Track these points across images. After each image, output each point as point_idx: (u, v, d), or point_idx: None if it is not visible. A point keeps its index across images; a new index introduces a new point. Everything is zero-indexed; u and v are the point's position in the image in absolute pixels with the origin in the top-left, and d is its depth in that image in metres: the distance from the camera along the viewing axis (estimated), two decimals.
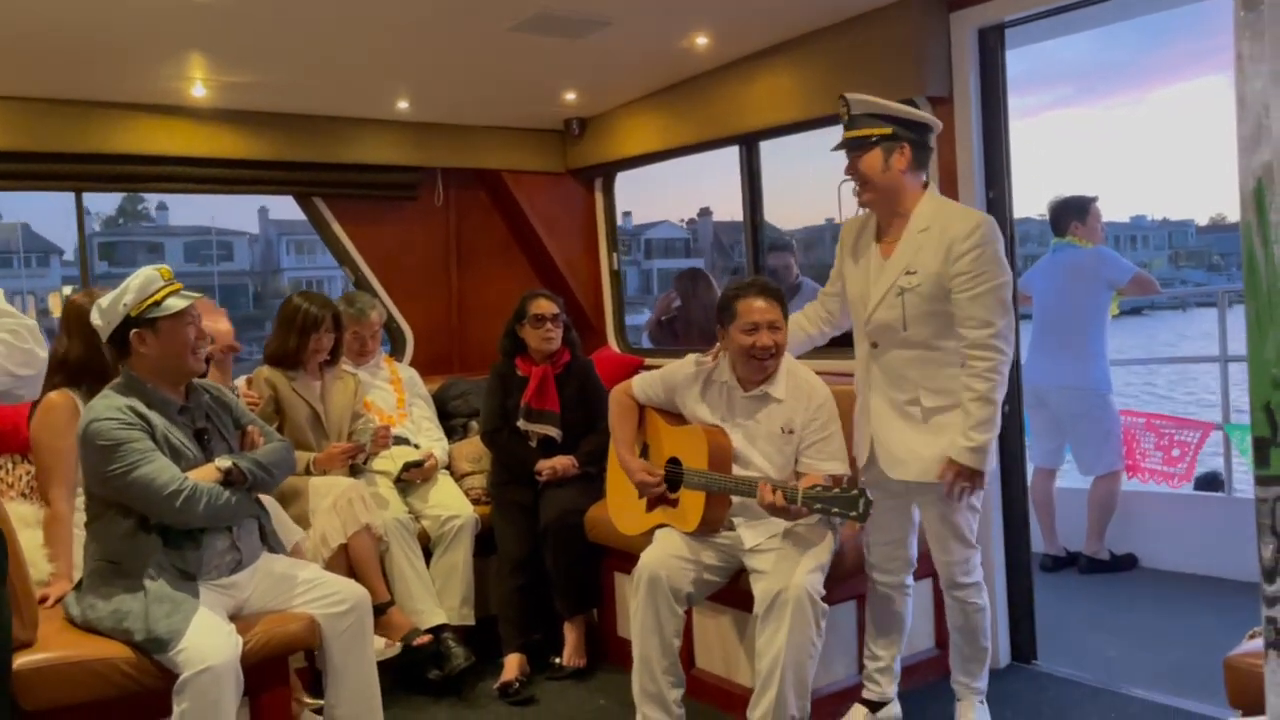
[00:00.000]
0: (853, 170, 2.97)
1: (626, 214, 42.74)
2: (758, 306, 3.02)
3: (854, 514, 2.69)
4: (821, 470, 3.03)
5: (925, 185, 3.00)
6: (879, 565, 3.15)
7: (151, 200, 39.12)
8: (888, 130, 2.91)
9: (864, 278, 3.02)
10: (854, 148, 2.95)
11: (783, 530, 3.02)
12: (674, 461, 3.19)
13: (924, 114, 3.02)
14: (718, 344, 3.17)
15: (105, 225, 40.79)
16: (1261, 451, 0.95)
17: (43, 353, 2.36)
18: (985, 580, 3.63)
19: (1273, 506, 0.95)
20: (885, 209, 2.99)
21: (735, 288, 3.11)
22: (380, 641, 3.34)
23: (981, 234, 2.83)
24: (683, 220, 45.32)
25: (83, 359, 3.07)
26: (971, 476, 2.85)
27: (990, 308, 2.82)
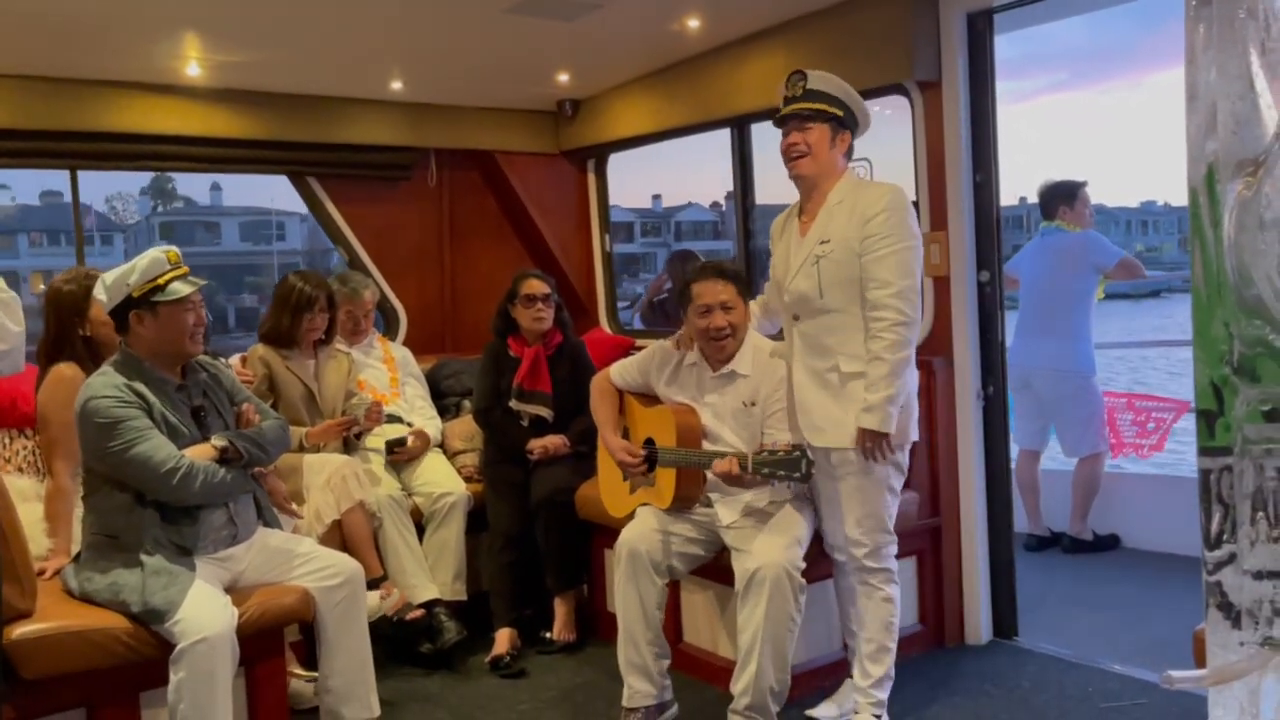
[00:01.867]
0: (799, 139, 2.99)
1: (656, 197, 42.95)
2: (710, 289, 3.11)
3: (797, 475, 2.78)
4: (784, 440, 3.07)
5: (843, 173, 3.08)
6: (838, 545, 3.16)
7: (180, 179, 40.00)
8: (841, 113, 2.99)
9: (785, 257, 3.09)
10: (809, 117, 2.97)
11: (760, 507, 3.09)
12: (649, 442, 3.27)
13: (867, 112, 3.07)
14: (681, 330, 3.27)
15: (140, 205, 41.56)
16: (1208, 424, 1.01)
17: (16, 327, 2.36)
18: (969, 559, 3.71)
19: (1218, 476, 1.01)
20: (810, 185, 3.04)
21: (692, 273, 3.21)
22: (374, 595, 3.39)
23: (890, 200, 2.91)
24: (712, 203, 45.45)
25: (57, 340, 3.13)
26: (875, 438, 2.87)
27: (893, 268, 2.86)
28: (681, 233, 43.75)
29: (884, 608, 3.03)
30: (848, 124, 3.01)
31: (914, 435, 3.05)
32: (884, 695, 3.05)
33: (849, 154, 3.07)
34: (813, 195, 3.06)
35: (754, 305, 3.35)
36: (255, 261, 38.82)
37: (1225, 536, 1.00)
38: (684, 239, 42.74)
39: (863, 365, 2.91)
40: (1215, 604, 1.02)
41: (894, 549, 3.06)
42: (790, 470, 2.79)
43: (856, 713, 3.07)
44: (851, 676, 3.26)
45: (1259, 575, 0.96)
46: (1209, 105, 0.98)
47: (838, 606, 3.32)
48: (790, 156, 3.01)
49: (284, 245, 41.06)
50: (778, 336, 3.40)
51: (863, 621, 3.05)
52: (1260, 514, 0.95)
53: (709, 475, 3.12)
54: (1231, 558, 0.99)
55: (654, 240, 42.88)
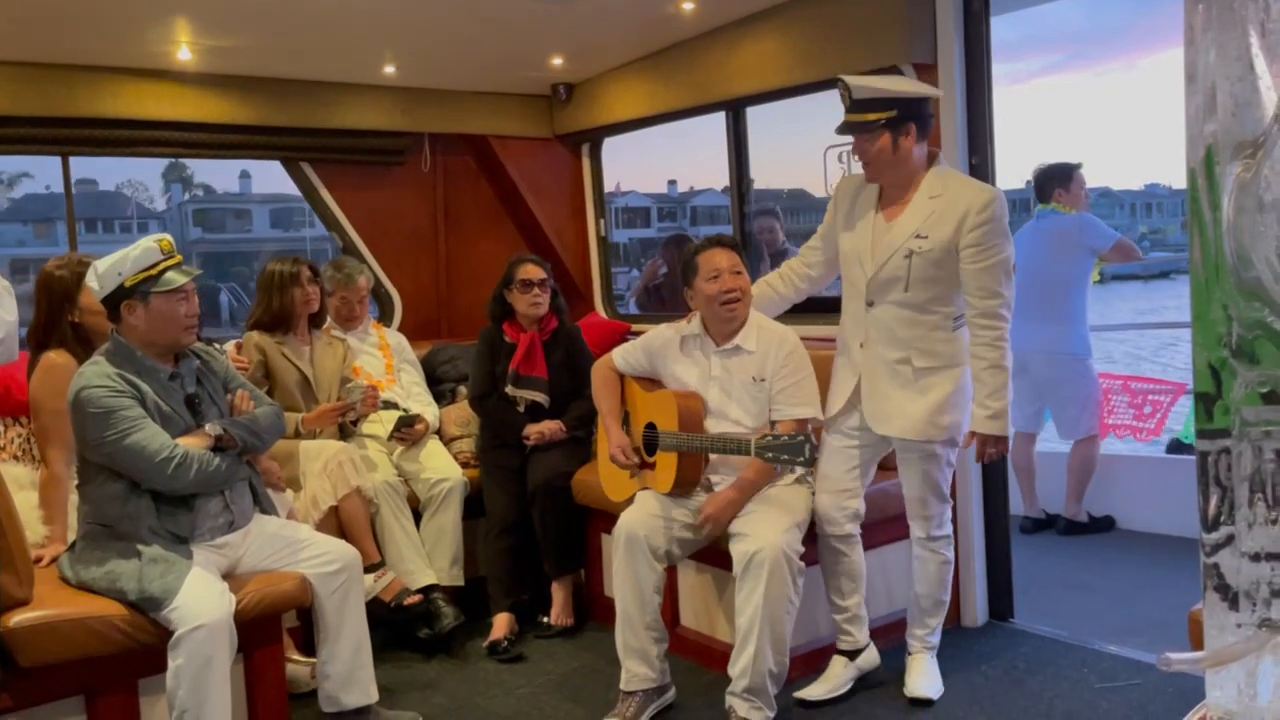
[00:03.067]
0: (861, 152, 3.03)
1: (672, 182, 43.44)
2: (717, 256, 3.15)
3: (800, 459, 2.81)
4: (792, 415, 3.12)
5: (932, 156, 3.07)
6: (826, 516, 3.20)
7: (195, 166, 40.17)
8: (894, 113, 2.96)
9: (864, 237, 3.10)
10: (861, 131, 2.99)
11: (759, 490, 3.10)
12: (651, 426, 3.27)
13: (924, 87, 3.08)
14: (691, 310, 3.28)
15: (174, 192, 42.83)
16: (1206, 407, 1.01)
17: (9, 317, 2.33)
18: (965, 541, 3.73)
19: (1216, 459, 1.01)
20: (892, 179, 3.07)
21: (695, 247, 3.25)
22: (369, 578, 3.39)
23: (995, 208, 2.94)
24: (724, 187, 45.56)
25: (47, 326, 3.12)
26: (998, 443, 3.00)
27: (998, 279, 2.95)
28: (698, 217, 43.98)
29: (943, 569, 3.24)
30: (908, 115, 2.98)
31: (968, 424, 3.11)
32: (938, 639, 3.30)
33: (925, 134, 3.04)
34: (894, 182, 3.07)
35: (775, 278, 3.38)
36: (286, 248, 40.14)
37: (1223, 519, 1.00)
38: (700, 223, 42.90)
39: (934, 361, 3.02)
40: (1213, 586, 1.02)
41: (950, 513, 3.23)
42: (794, 455, 2.80)
43: (912, 654, 3.28)
44: (840, 652, 3.28)
45: (1256, 557, 0.96)
46: (1208, 87, 0.97)
47: (823, 579, 3.32)
48: (863, 165, 3.07)
49: (315, 231, 42.04)
50: (786, 318, 3.40)
51: (922, 581, 3.24)
52: (1258, 496, 0.95)
53: (710, 458, 3.14)
54: (1229, 540, 0.99)
55: (670, 225, 43.00)
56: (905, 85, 3.05)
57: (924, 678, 3.22)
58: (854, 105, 2.99)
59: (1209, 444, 1.00)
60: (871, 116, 2.96)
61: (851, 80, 2.99)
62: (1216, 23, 0.94)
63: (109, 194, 39.85)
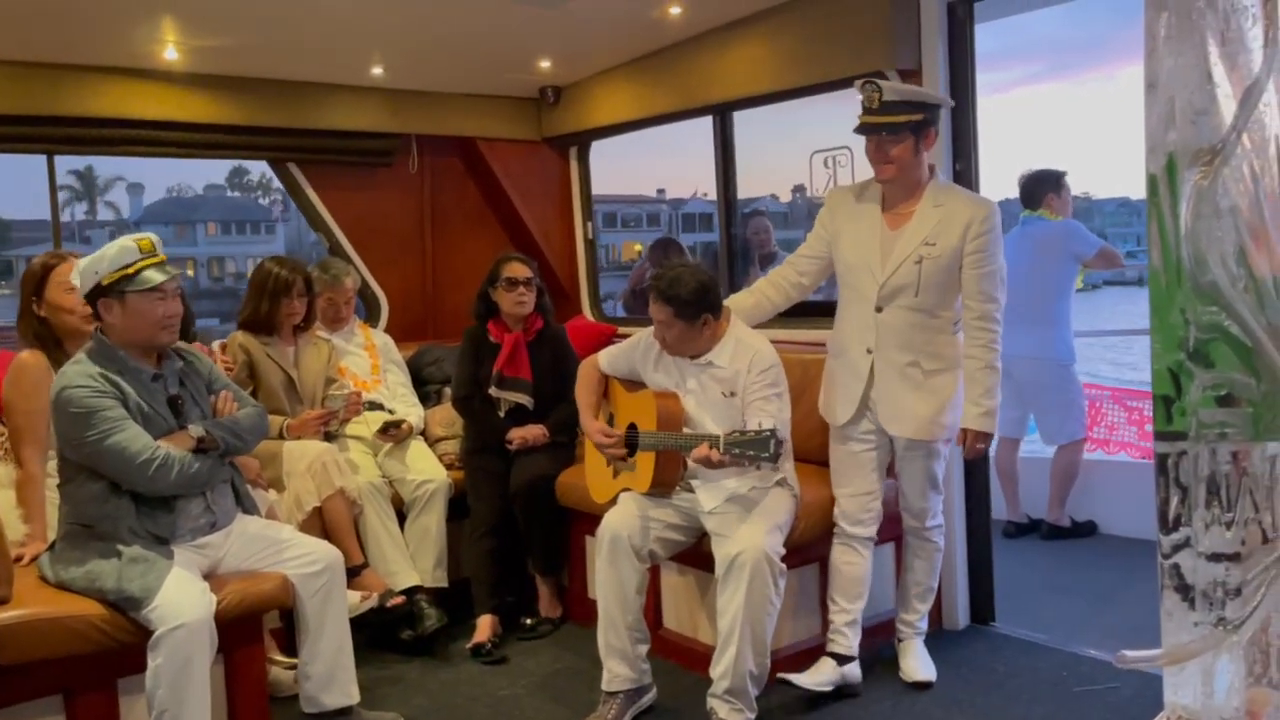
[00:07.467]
0: (882, 154, 3.12)
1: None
2: (657, 308, 3.15)
3: (765, 455, 2.82)
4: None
5: (930, 169, 3.21)
6: (850, 515, 3.30)
7: (256, 168, 42.67)
8: (920, 117, 3.07)
9: (868, 245, 3.19)
10: (890, 132, 3.08)
11: (742, 494, 3.11)
12: (632, 427, 3.28)
13: (943, 96, 3.22)
14: None
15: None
16: (1165, 410, 1.02)
17: None
18: (948, 545, 3.76)
19: (1176, 460, 1.02)
20: (901, 186, 3.17)
21: (653, 277, 3.23)
22: (355, 595, 3.40)
23: (995, 219, 3.13)
24: (772, 194, 45.87)
25: (21, 319, 3.13)
26: (984, 439, 3.20)
27: (996, 285, 3.12)
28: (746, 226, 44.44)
29: (936, 557, 3.44)
30: (929, 121, 3.11)
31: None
32: (925, 625, 3.49)
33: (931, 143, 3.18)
34: (901, 194, 3.19)
35: (766, 285, 3.42)
36: None
37: (1182, 520, 1.01)
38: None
39: (940, 364, 3.18)
40: (1172, 586, 1.04)
41: (941, 504, 3.42)
42: (760, 450, 2.82)
43: (902, 640, 3.46)
44: (830, 654, 3.29)
45: (1213, 558, 0.98)
46: (1168, 96, 0.99)
47: (825, 590, 3.35)
48: (877, 165, 3.15)
49: None
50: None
51: (916, 570, 3.44)
52: (1214, 498, 0.97)
53: (689, 461, 3.14)
54: (1188, 541, 1.01)
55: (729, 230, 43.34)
56: (930, 93, 3.19)
57: (920, 662, 3.38)
58: (883, 107, 3.07)
59: (1167, 446, 1.01)
60: (901, 118, 3.06)
61: (885, 83, 3.09)
62: (1176, 32, 0.95)
63: (239, 199, 42.88)
